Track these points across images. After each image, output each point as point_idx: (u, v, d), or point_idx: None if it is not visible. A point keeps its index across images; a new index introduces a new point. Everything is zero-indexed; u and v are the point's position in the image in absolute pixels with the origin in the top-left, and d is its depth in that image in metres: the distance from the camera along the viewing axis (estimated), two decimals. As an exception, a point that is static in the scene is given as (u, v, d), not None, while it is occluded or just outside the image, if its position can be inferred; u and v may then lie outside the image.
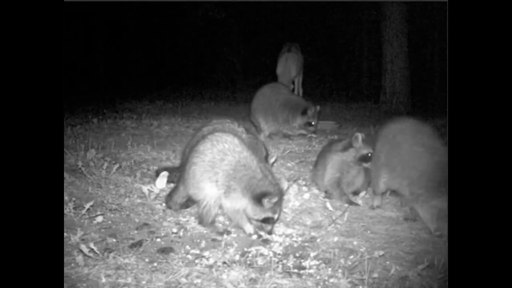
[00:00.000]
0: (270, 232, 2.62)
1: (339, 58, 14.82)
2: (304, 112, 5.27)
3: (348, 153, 3.29)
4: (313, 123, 5.36)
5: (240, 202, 2.58)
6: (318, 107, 5.43)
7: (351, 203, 3.24)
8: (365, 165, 3.29)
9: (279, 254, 2.41)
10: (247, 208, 2.57)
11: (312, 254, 2.40)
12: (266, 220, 2.58)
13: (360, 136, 3.27)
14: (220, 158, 2.61)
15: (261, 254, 2.40)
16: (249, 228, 2.65)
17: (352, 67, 14.21)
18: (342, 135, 5.73)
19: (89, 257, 2.22)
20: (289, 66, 7.74)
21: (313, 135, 5.50)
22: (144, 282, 2.05)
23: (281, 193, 2.59)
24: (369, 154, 3.23)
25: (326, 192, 3.45)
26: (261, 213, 2.54)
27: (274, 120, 5.43)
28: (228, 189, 2.58)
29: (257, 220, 2.59)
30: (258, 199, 2.51)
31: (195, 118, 6.88)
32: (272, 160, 3.50)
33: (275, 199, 2.51)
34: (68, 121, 5.93)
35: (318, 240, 2.62)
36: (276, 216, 2.59)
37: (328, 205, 3.13)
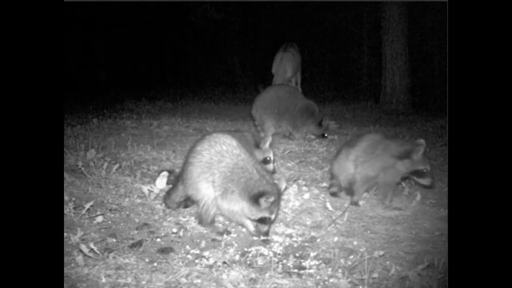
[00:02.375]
0: (266, 234, 2.59)
1: (339, 58, 14.82)
2: (320, 124, 5.42)
3: (403, 163, 3.00)
4: (326, 135, 5.54)
5: (237, 204, 2.56)
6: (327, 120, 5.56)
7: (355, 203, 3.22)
8: (417, 180, 3.07)
9: (279, 254, 2.41)
10: (244, 208, 2.56)
11: (312, 254, 2.40)
12: (262, 220, 2.55)
13: (422, 148, 2.94)
14: (217, 159, 2.61)
15: (261, 254, 2.40)
16: (250, 225, 2.64)
17: (352, 67, 14.21)
18: (342, 135, 5.75)
19: (89, 257, 2.22)
20: (284, 66, 7.73)
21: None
22: (144, 282, 2.05)
23: (279, 193, 2.57)
24: (424, 171, 2.97)
25: (331, 187, 3.43)
26: (258, 212, 2.52)
27: (288, 124, 5.43)
28: (225, 191, 2.58)
29: (254, 220, 2.57)
30: (255, 199, 2.49)
31: (195, 118, 6.88)
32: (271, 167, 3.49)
33: (272, 199, 2.49)
34: (68, 121, 5.93)
35: (318, 240, 2.61)
36: (273, 217, 2.57)
37: (328, 205, 3.13)
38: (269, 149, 3.53)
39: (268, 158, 3.52)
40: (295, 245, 2.54)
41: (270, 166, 3.52)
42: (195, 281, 2.07)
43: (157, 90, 11.21)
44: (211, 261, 2.28)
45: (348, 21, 13.89)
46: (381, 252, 2.35)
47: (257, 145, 3.48)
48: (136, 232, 2.64)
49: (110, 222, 2.77)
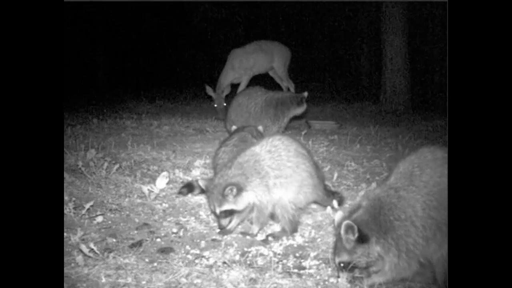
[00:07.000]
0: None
1: (339, 58, 14.81)
2: (301, 102, 5.15)
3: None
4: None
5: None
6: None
7: None
8: None
9: (279, 254, 2.41)
10: None
11: (312, 254, 2.40)
12: None
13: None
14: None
15: (261, 254, 2.40)
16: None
17: (352, 67, 14.20)
18: (342, 135, 5.74)
19: (89, 257, 2.22)
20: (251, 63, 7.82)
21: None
22: (144, 282, 2.05)
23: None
24: None
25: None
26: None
27: (259, 125, 5.30)
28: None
29: None
30: None
31: (195, 118, 6.88)
32: None
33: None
34: (68, 121, 5.93)
35: (318, 240, 2.62)
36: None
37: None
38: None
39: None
40: (295, 245, 2.54)
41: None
42: (195, 281, 2.07)
43: (157, 90, 11.21)
44: (211, 261, 2.28)
45: (348, 21, 13.88)
46: (381, 252, 2.34)
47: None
48: (136, 232, 2.64)
49: (110, 222, 2.77)
